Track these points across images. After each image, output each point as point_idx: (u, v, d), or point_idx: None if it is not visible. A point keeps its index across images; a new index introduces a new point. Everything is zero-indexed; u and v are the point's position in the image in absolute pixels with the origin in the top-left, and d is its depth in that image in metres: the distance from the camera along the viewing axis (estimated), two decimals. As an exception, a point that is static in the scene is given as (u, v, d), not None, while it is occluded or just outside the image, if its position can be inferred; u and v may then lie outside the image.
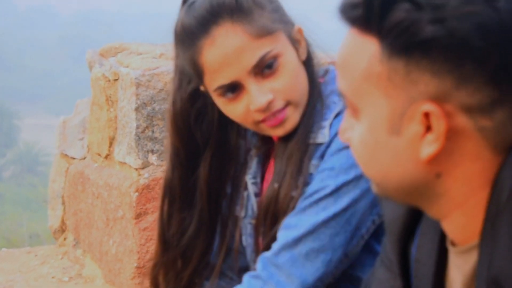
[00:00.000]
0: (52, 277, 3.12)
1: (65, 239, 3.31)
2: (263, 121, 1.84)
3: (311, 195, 1.82)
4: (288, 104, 1.84)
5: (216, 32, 1.79)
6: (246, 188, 2.01)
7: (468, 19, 1.08)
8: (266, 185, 1.98)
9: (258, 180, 1.99)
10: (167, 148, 2.02)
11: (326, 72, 1.95)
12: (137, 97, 2.55)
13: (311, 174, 1.86)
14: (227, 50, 1.79)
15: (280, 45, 1.83)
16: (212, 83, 1.83)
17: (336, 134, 1.82)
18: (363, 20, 1.15)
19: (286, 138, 1.88)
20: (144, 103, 2.56)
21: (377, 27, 1.13)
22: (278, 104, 1.83)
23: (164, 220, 2.02)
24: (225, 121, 1.97)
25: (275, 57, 1.81)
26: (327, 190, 1.80)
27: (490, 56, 1.09)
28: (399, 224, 1.34)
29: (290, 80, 1.83)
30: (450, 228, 1.21)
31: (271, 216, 1.89)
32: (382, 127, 1.17)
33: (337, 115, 1.86)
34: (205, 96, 1.91)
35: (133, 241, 2.59)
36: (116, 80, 2.74)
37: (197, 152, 1.99)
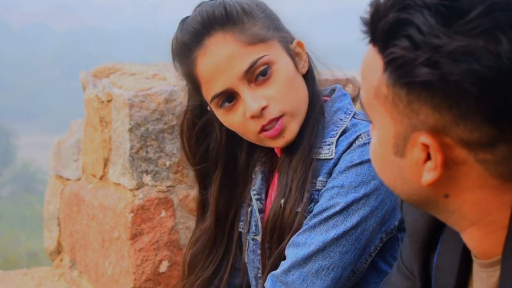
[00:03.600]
0: (49, 299, 3.11)
1: (61, 260, 3.30)
2: (262, 131, 1.86)
3: (320, 213, 1.82)
4: (283, 114, 1.85)
5: (208, 43, 1.84)
6: (249, 204, 2.02)
7: (462, 63, 1.07)
8: (269, 201, 1.99)
9: (263, 196, 1.99)
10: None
11: (333, 90, 1.98)
12: (130, 118, 2.56)
13: (318, 191, 1.86)
14: (218, 58, 1.83)
15: (273, 53, 1.85)
16: (208, 93, 1.87)
17: (344, 152, 1.83)
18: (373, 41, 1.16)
19: (290, 153, 1.89)
20: (138, 124, 2.56)
21: (382, 54, 1.14)
22: (273, 112, 1.84)
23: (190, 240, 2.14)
24: (232, 141, 2.00)
25: (268, 64, 1.84)
26: (337, 208, 1.80)
27: (483, 101, 1.07)
28: (422, 233, 1.35)
29: (284, 88, 1.84)
30: (467, 240, 1.22)
31: (277, 232, 1.89)
32: (388, 145, 1.18)
33: (344, 132, 1.87)
34: (212, 114, 1.96)
35: (129, 262, 2.59)
36: (109, 101, 2.74)
37: (208, 170, 2.04)
